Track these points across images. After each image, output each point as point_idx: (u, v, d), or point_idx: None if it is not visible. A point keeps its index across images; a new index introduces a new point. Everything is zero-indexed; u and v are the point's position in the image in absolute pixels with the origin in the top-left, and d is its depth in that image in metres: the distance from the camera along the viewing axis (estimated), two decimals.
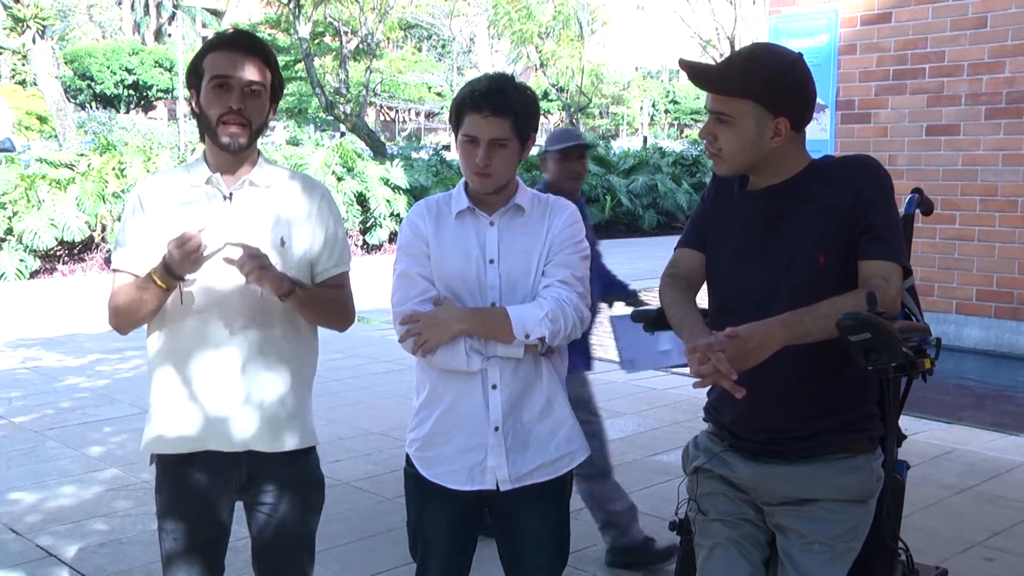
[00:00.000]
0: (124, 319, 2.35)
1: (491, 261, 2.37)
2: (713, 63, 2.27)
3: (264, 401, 2.33)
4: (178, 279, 2.22)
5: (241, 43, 2.27)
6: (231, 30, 2.38)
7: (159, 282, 2.21)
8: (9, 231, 13.11)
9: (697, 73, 2.11)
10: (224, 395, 2.31)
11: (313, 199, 2.39)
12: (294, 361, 2.39)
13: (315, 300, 2.36)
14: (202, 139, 2.34)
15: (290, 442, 2.38)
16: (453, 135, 2.42)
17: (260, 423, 2.33)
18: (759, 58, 2.10)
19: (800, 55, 2.11)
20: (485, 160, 2.29)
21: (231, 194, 2.32)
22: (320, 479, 2.50)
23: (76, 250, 13.88)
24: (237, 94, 2.23)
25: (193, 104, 2.31)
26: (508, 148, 2.31)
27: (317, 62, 24.86)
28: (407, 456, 2.49)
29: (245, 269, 2.17)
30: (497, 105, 2.27)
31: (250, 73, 2.24)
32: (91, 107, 40.12)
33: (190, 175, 2.34)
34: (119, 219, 13.45)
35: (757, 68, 2.06)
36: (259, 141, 2.37)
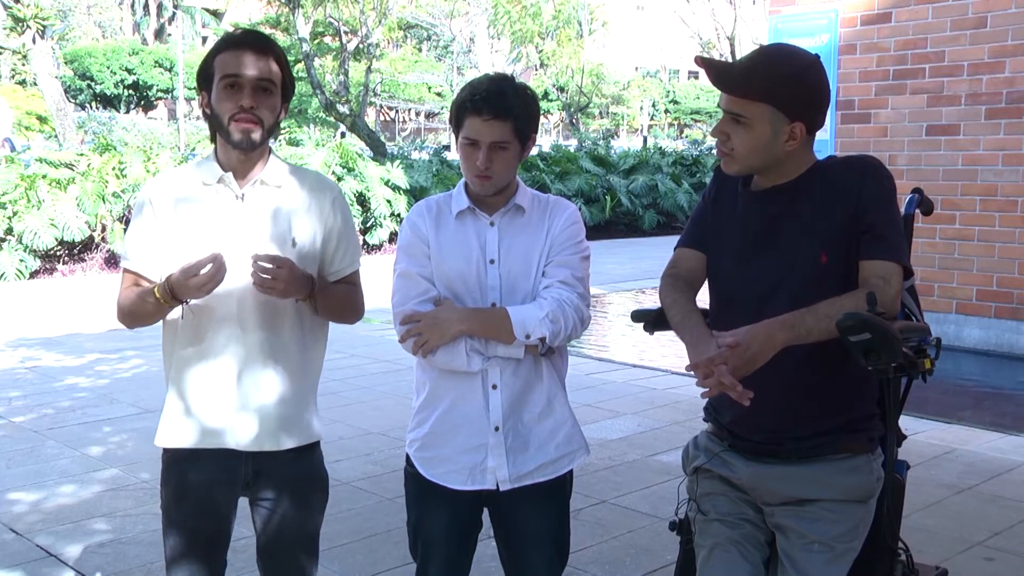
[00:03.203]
0: (129, 320, 2.38)
1: (491, 261, 2.37)
2: (726, 61, 2.24)
3: (271, 400, 2.34)
4: (181, 302, 2.24)
5: (251, 42, 2.28)
6: (239, 31, 2.40)
7: (161, 299, 2.23)
8: (9, 231, 13.08)
9: (716, 74, 2.08)
10: (232, 394, 2.32)
11: (325, 198, 2.40)
12: (301, 359, 2.40)
13: (330, 298, 2.38)
14: (212, 139, 2.35)
15: (295, 439, 2.39)
16: (453, 136, 2.42)
17: (267, 421, 2.34)
18: (778, 62, 2.07)
19: (817, 56, 2.09)
20: (486, 163, 2.30)
21: (243, 195, 2.32)
22: (324, 477, 2.50)
23: (76, 250, 13.85)
24: (248, 92, 2.23)
25: (204, 105, 2.32)
26: (508, 151, 2.32)
27: (317, 62, 24.85)
28: (407, 456, 2.49)
29: (266, 284, 2.18)
30: (498, 108, 2.27)
31: (261, 71, 2.25)
32: (91, 107, 40.13)
33: (200, 174, 2.34)
34: (119, 219, 13.54)
35: (776, 72, 2.04)
36: (270, 140, 2.37)
